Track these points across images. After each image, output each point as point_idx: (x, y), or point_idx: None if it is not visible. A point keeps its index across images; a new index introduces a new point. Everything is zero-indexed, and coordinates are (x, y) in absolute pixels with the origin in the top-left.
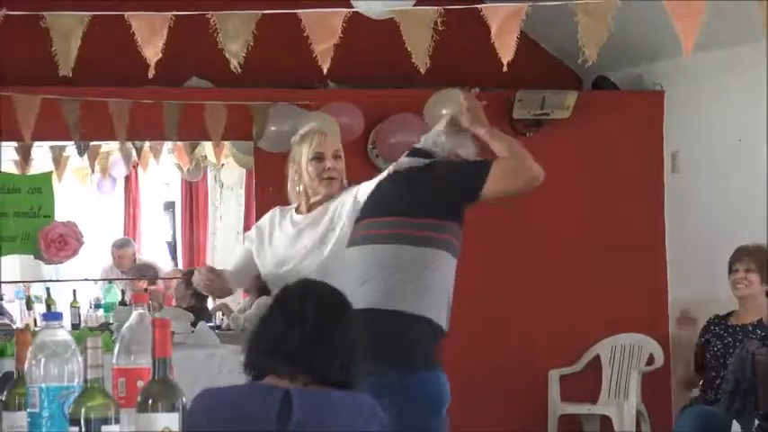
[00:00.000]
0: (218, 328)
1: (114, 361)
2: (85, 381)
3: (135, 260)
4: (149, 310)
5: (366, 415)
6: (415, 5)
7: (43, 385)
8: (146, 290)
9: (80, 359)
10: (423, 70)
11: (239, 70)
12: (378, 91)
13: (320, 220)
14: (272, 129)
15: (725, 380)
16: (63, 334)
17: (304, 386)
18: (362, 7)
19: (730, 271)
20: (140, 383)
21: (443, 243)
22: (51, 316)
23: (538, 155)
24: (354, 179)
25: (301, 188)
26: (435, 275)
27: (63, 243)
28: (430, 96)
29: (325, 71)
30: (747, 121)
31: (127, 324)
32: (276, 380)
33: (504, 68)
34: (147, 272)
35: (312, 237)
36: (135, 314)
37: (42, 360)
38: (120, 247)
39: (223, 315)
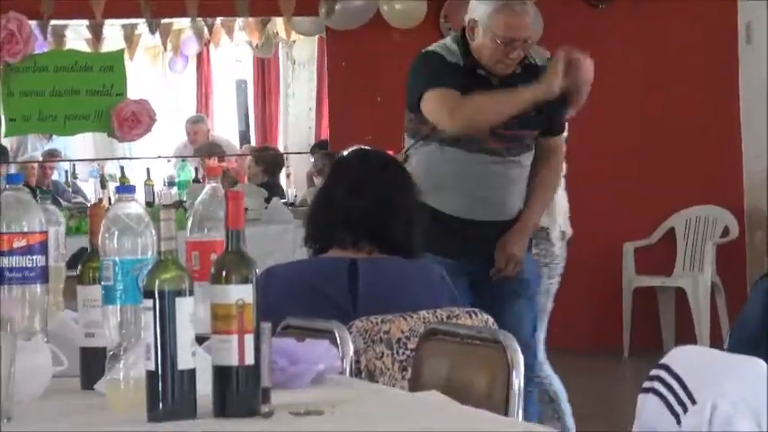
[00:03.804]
0: (292, 204)
1: (188, 234)
2: (159, 253)
3: (209, 137)
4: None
5: (435, 284)
6: None
7: (117, 258)
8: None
9: (153, 232)
10: None
11: None
12: None
13: None
14: (339, 7)
15: None
16: (136, 207)
17: (369, 255)
18: None
19: None
20: (214, 256)
21: None
22: (124, 189)
23: (611, 27)
24: None
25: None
26: None
27: (136, 121)
28: None
29: None
30: None
31: (200, 198)
32: (340, 251)
33: None
34: (220, 149)
35: None
36: (208, 188)
37: (116, 233)
38: (195, 122)
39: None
